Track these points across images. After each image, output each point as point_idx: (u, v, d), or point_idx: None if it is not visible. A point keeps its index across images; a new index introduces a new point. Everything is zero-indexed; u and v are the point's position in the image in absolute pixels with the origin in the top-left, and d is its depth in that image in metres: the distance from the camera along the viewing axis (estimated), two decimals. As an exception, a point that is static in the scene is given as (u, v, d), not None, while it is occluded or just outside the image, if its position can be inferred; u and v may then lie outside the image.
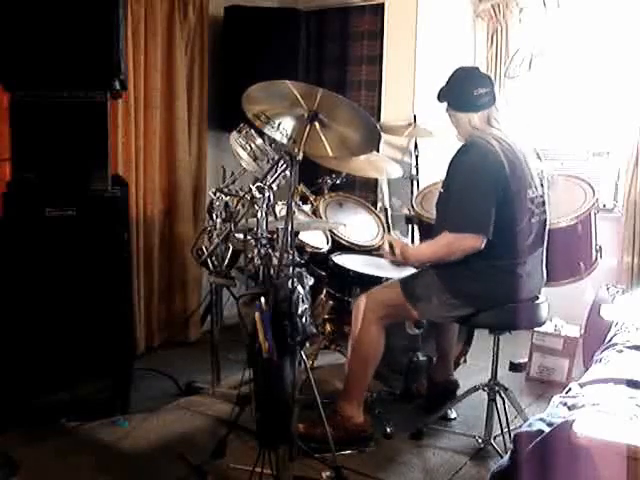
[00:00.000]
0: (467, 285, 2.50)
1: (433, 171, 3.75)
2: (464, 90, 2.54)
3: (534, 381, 3.47)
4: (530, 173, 2.49)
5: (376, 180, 4.35)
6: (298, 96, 2.20)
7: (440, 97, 2.62)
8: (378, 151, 3.88)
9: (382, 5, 4.30)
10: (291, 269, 2.15)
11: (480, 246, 2.39)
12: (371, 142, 2.43)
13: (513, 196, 2.42)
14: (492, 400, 2.63)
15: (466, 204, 2.42)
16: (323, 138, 2.36)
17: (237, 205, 2.67)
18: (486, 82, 2.54)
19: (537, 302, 2.59)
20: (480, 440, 2.65)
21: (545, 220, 2.58)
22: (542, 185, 2.57)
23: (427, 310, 2.58)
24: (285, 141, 2.38)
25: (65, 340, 2.73)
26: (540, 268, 2.61)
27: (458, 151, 2.52)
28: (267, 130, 2.38)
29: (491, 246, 2.40)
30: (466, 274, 2.49)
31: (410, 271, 2.79)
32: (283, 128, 2.36)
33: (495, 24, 4.33)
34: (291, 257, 2.19)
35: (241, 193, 2.69)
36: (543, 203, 2.56)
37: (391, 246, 2.60)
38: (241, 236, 2.52)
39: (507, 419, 2.62)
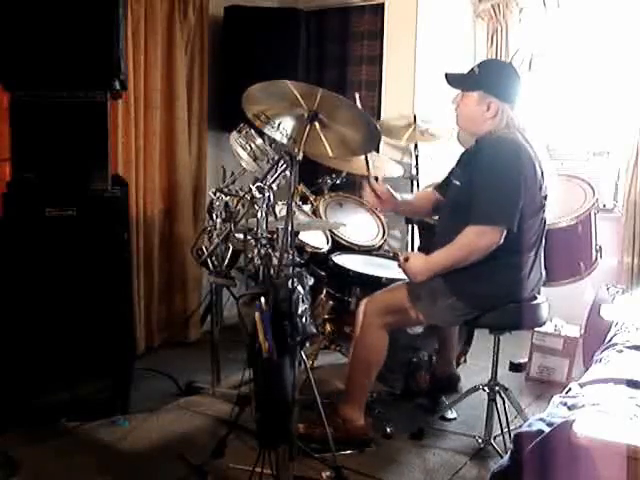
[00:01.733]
0: (471, 286, 2.47)
1: (433, 171, 3.75)
2: (515, 81, 2.50)
3: (534, 381, 3.47)
4: (543, 170, 2.48)
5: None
6: (298, 96, 2.21)
7: (472, 84, 2.50)
8: (378, 152, 3.89)
9: (382, 5, 4.29)
10: (291, 269, 2.15)
11: (499, 241, 2.35)
12: (371, 142, 2.42)
13: (536, 192, 2.41)
14: (492, 400, 2.63)
15: (497, 196, 2.36)
16: (323, 138, 2.36)
17: (237, 205, 2.67)
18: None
19: (538, 302, 2.59)
20: (480, 440, 2.65)
21: (545, 219, 2.57)
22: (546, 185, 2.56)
23: (432, 314, 2.54)
24: (285, 141, 2.38)
25: (65, 340, 2.73)
26: (539, 267, 2.60)
27: (486, 144, 2.46)
28: (267, 130, 2.38)
29: (505, 242, 2.37)
30: (470, 274, 2.45)
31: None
32: (283, 128, 2.37)
33: (495, 24, 4.32)
34: (291, 257, 2.19)
35: (241, 193, 2.69)
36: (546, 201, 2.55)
37: (407, 259, 2.54)
38: (241, 236, 2.52)
39: (507, 419, 2.62)
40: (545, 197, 2.51)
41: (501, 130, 2.46)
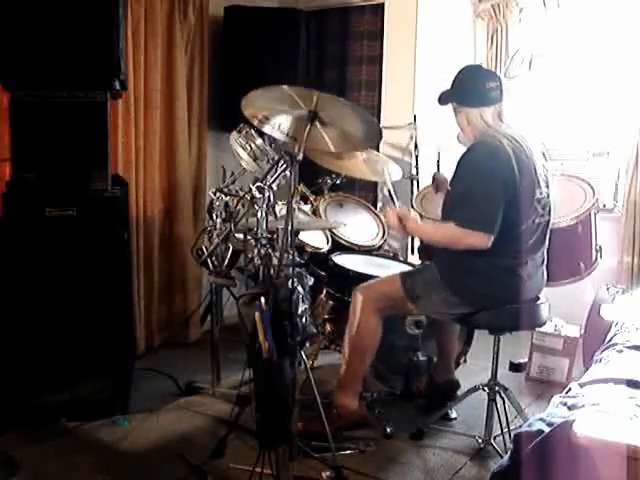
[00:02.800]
0: (468, 283, 2.50)
1: (433, 171, 3.74)
2: (476, 84, 2.53)
3: (534, 381, 3.47)
4: (537, 173, 2.48)
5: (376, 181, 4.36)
6: (296, 98, 2.21)
7: (446, 99, 2.60)
8: (378, 149, 3.89)
9: (382, 5, 4.30)
10: (291, 269, 2.15)
11: (486, 245, 2.38)
12: (372, 137, 2.44)
13: (521, 196, 2.41)
14: (492, 400, 2.63)
15: (475, 202, 2.41)
16: (324, 135, 2.36)
17: (237, 205, 2.67)
18: (495, 77, 2.54)
19: (538, 303, 2.59)
20: (480, 440, 2.65)
21: (548, 221, 2.56)
22: (547, 185, 2.55)
23: (426, 306, 2.59)
24: (285, 139, 2.38)
25: (65, 340, 2.73)
26: (541, 269, 2.60)
27: (468, 150, 2.51)
28: (267, 130, 2.38)
29: (494, 245, 2.39)
30: (467, 272, 2.49)
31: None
32: (283, 128, 2.37)
33: (495, 24, 4.32)
34: (291, 257, 2.19)
35: (241, 193, 2.69)
36: (547, 204, 2.54)
37: (401, 219, 2.58)
38: (241, 236, 2.52)
39: (507, 419, 2.62)
40: (541, 200, 2.49)
41: (482, 135, 2.50)
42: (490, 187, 2.39)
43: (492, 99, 2.50)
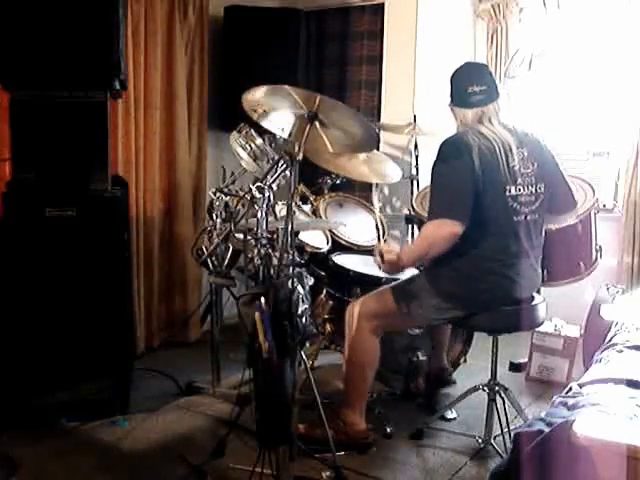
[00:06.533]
0: (454, 288, 2.47)
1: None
2: (459, 85, 2.55)
3: (534, 381, 3.47)
4: (512, 170, 2.42)
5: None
6: (298, 99, 2.21)
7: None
8: (378, 148, 3.89)
9: (382, 5, 4.29)
10: (291, 269, 2.15)
11: (458, 232, 2.35)
12: (370, 142, 2.44)
13: (486, 191, 2.38)
14: (492, 400, 2.63)
15: (440, 192, 2.44)
16: (323, 135, 2.36)
17: (237, 205, 2.67)
18: (482, 80, 2.50)
19: (534, 303, 2.57)
20: (480, 440, 2.65)
21: (536, 220, 2.51)
22: (534, 184, 2.49)
23: (419, 316, 2.55)
24: (284, 136, 2.37)
25: (65, 340, 2.73)
26: (534, 269, 2.56)
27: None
28: (266, 124, 2.37)
29: (475, 246, 2.40)
30: (453, 276, 2.47)
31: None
32: (282, 125, 2.36)
33: (495, 24, 4.33)
34: (291, 257, 2.19)
35: (241, 193, 2.69)
36: (530, 202, 2.48)
37: (382, 255, 2.53)
38: (241, 236, 2.52)
39: (507, 419, 2.61)
40: (517, 197, 2.43)
41: (461, 130, 2.53)
42: (453, 175, 2.40)
43: (473, 103, 2.49)
